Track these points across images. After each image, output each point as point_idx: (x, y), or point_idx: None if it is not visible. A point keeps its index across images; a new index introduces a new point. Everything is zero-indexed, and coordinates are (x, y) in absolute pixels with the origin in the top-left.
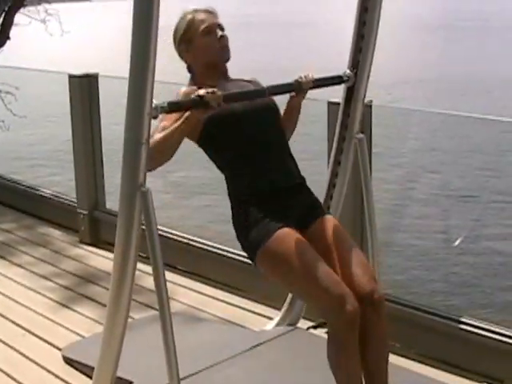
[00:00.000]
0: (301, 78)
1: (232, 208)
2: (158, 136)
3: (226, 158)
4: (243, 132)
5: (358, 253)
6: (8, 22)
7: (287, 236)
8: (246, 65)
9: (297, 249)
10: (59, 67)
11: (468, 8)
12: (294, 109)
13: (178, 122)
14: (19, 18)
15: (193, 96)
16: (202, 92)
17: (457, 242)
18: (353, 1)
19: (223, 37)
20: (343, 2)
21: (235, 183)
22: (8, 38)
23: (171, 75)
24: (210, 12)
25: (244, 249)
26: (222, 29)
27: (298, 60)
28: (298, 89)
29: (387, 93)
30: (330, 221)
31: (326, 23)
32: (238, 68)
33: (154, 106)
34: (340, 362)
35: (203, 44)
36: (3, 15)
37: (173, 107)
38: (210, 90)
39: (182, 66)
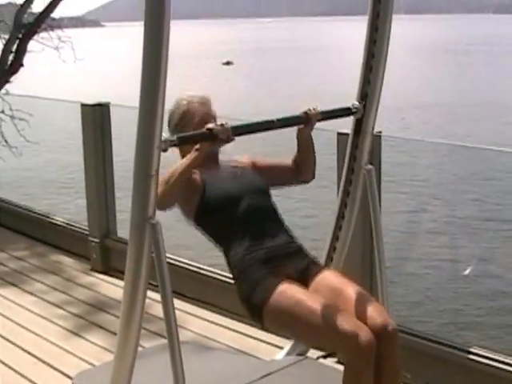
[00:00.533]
0: (309, 110)
1: (233, 279)
2: (164, 176)
3: (221, 235)
4: (237, 212)
5: (366, 292)
6: (21, 49)
7: (288, 289)
8: (296, 91)
9: (300, 298)
10: (72, 94)
11: (475, 33)
12: (305, 141)
13: (188, 156)
14: (33, 44)
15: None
16: (211, 125)
17: (467, 271)
18: (343, 28)
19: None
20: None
21: (232, 257)
22: (22, 64)
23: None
24: (205, 102)
25: (251, 316)
26: (215, 119)
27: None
28: (306, 121)
29: (400, 117)
30: (332, 271)
31: (339, 48)
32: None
33: (163, 139)
34: None
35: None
36: (17, 42)
37: (182, 141)
38: (219, 123)
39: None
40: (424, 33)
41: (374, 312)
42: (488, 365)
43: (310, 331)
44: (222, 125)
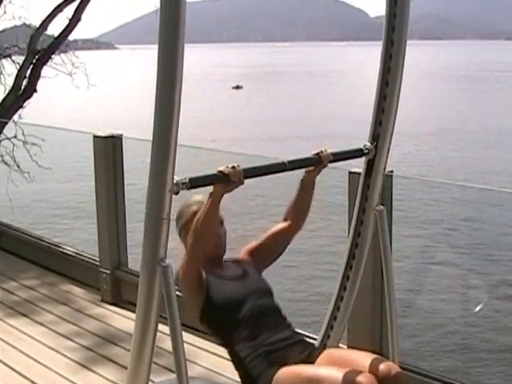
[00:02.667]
0: (321, 151)
1: (239, 374)
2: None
3: (224, 335)
4: (241, 314)
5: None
6: (35, 75)
7: (286, 372)
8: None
9: (298, 373)
10: (85, 120)
11: (486, 59)
12: (308, 186)
13: (205, 204)
14: (46, 70)
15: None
16: (222, 168)
17: (478, 308)
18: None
19: (221, 235)
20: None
21: (236, 357)
22: (35, 90)
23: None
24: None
25: None
26: (222, 223)
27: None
28: (317, 163)
29: (414, 143)
30: (331, 350)
31: (351, 72)
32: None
33: (175, 182)
34: None
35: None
36: (30, 68)
37: (194, 183)
38: (230, 165)
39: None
40: (433, 59)
41: (377, 361)
42: None
43: None
44: (233, 167)
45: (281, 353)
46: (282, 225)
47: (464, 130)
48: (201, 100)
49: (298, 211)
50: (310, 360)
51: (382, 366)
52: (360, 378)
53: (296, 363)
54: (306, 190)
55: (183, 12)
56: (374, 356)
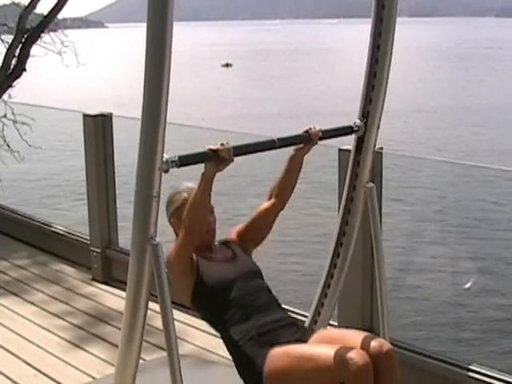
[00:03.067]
0: (311, 129)
1: (232, 357)
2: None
3: (216, 318)
4: (231, 296)
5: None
6: (24, 54)
7: (279, 351)
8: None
9: (293, 350)
10: (75, 99)
11: (481, 36)
12: (296, 163)
13: (197, 185)
14: (35, 49)
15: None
16: (212, 146)
17: (468, 285)
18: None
19: (211, 221)
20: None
21: (228, 339)
22: (24, 69)
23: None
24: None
25: (247, 379)
26: (212, 210)
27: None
28: (307, 140)
29: (403, 121)
30: (321, 332)
31: (344, 49)
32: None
33: (164, 160)
34: None
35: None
36: (19, 47)
37: (183, 161)
38: (219, 142)
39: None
40: (423, 36)
41: (368, 338)
42: (488, 383)
43: (311, 374)
44: (222, 144)
45: (273, 334)
46: (266, 204)
47: (454, 107)
48: (189, 78)
49: (284, 189)
50: (302, 340)
51: (374, 343)
52: (352, 355)
53: (288, 344)
54: (293, 167)
55: None
56: (366, 334)
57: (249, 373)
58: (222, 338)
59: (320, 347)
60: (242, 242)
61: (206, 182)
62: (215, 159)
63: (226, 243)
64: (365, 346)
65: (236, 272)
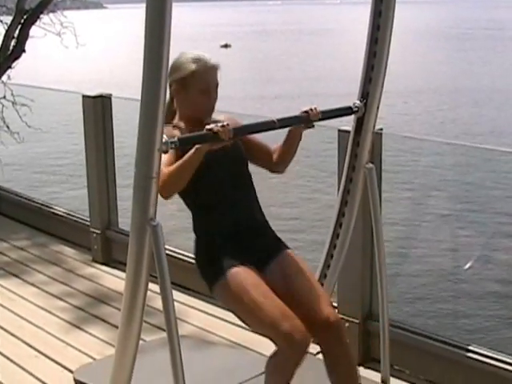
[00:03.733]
0: (310, 109)
1: (196, 242)
2: (168, 170)
3: (194, 198)
4: (212, 178)
5: (314, 283)
6: (24, 35)
7: (241, 274)
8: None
9: (248, 286)
10: (75, 80)
11: (483, 17)
12: (295, 139)
13: (188, 155)
14: (34, 30)
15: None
16: (212, 126)
17: (467, 266)
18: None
19: (214, 99)
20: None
21: (201, 221)
22: (23, 50)
23: None
24: (215, 68)
25: (203, 278)
26: (217, 86)
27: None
28: (306, 121)
29: (403, 101)
30: (289, 256)
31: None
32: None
33: (164, 141)
34: (275, 380)
35: (195, 101)
36: (19, 28)
37: (183, 142)
38: (219, 123)
39: None
40: (422, 16)
41: (317, 305)
42: (487, 363)
43: (252, 320)
44: (223, 126)
45: (236, 240)
46: (271, 149)
47: (454, 88)
48: None
49: (283, 158)
50: (267, 254)
51: (322, 315)
52: (296, 335)
53: (253, 257)
54: (292, 141)
55: None
56: (320, 297)
57: (205, 270)
58: (193, 221)
59: (273, 308)
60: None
61: (198, 157)
62: (214, 140)
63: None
64: (312, 311)
65: (220, 154)
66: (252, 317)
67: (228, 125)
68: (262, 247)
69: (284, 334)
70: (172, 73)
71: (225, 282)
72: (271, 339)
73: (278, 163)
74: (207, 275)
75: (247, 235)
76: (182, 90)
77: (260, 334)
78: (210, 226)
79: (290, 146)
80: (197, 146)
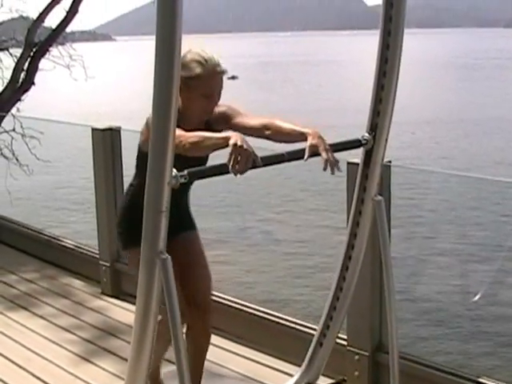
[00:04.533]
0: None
1: (128, 204)
2: (192, 136)
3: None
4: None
5: (204, 272)
6: (33, 67)
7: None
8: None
9: None
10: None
11: (490, 47)
12: (293, 140)
13: (216, 137)
14: (44, 63)
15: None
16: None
17: (476, 298)
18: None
19: (216, 102)
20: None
21: (136, 185)
22: (33, 83)
23: None
24: (221, 73)
25: (122, 235)
26: (220, 92)
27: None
28: (315, 154)
29: (411, 132)
30: (196, 239)
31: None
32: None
33: (173, 174)
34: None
35: (197, 103)
36: (28, 61)
37: (193, 176)
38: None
39: None
40: (431, 47)
41: (198, 291)
42: None
43: None
44: (238, 158)
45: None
46: (261, 129)
47: (464, 118)
48: None
49: (275, 138)
50: (179, 232)
51: (199, 298)
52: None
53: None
54: (288, 139)
55: (180, 2)
56: (202, 281)
57: (122, 232)
58: (135, 186)
59: None
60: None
61: (218, 146)
62: (227, 173)
63: (210, 130)
64: (192, 292)
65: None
66: None
67: (247, 153)
68: (179, 220)
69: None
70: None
71: (135, 253)
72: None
73: (269, 133)
74: (129, 236)
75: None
76: (185, 89)
77: None
78: (140, 193)
79: (287, 138)
80: (225, 135)
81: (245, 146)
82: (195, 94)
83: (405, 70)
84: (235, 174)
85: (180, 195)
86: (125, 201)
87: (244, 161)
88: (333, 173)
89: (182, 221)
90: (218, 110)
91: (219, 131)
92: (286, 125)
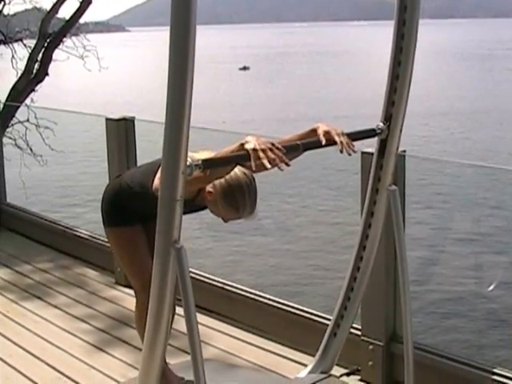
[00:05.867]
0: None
1: (119, 186)
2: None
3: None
4: None
5: None
6: (47, 58)
7: (135, 233)
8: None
9: (133, 243)
10: (96, 103)
11: (504, 37)
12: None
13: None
14: (58, 53)
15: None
16: (251, 145)
17: (491, 287)
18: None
19: None
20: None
21: (137, 192)
22: (47, 73)
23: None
24: (252, 212)
25: (105, 214)
26: None
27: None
28: (330, 144)
29: (423, 123)
30: None
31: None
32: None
33: (188, 163)
34: (141, 323)
35: (221, 212)
36: (42, 51)
37: (207, 165)
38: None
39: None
40: (445, 38)
41: None
42: None
43: (124, 266)
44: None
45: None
46: None
47: (478, 109)
48: (206, 82)
49: None
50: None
51: None
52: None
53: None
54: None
55: None
56: None
57: (108, 211)
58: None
59: (140, 258)
60: None
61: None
62: (245, 162)
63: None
64: None
65: None
66: (126, 265)
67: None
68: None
69: (142, 284)
70: (222, 189)
71: (121, 232)
72: (134, 286)
73: None
74: (112, 217)
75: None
76: (214, 197)
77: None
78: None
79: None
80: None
81: (263, 147)
82: (222, 209)
83: (418, 61)
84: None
85: None
86: (126, 184)
87: (266, 161)
88: (350, 154)
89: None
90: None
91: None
92: (292, 136)
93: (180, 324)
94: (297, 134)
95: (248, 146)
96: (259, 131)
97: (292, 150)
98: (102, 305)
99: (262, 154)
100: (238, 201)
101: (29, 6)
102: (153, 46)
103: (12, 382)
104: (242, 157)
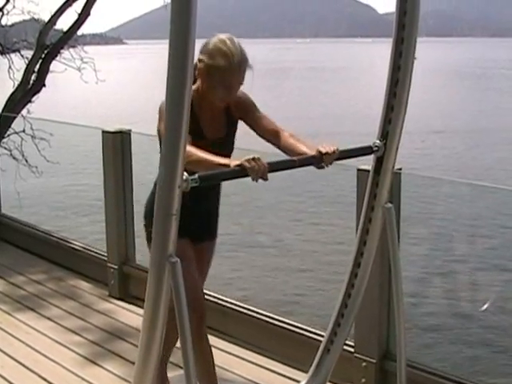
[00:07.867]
0: (327, 153)
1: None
2: (198, 156)
3: None
4: None
5: (205, 276)
6: (44, 69)
7: (181, 244)
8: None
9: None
10: (93, 115)
11: (500, 56)
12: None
13: (217, 162)
14: (55, 65)
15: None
16: (243, 162)
17: (484, 307)
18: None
19: (234, 94)
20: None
21: None
22: (44, 85)
23: None
24: (242, 68)
25: (144, 218)
26: (239, 86)
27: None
28: (319, 163)
29: (420, 140)
30: (212, 245)
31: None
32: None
33: (184, 178)
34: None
35: (215, 91)
36: (39, 62)
37: (204, 179)
38: (251, 157)
39: None
40: (442, 56)
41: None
42: None
43: None
44: (255, 160)
45: (198, 219)
46: (276, 133)
47: (474, 128)
48: None
49: (287, 152)
50: (203, 236)
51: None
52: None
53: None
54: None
55: (194, 6)
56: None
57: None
58: None
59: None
60: (238, 114)
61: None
62: (241, 177)
63: (229, 115)
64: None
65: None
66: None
67: (259, 159)
68: (205, 226)
69: (194, 299)
70: (203, 50)
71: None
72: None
73: (280, 148)
74: (147, 224)
75: (203, 215)
76: (205, 74)
77: None
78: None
79: (290, 152)
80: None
81: (250, 166)
82: (214, 83)
83: (415, 79)
84: (253, 176)
85: (206, 197)
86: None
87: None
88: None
89: (209, 225)
90: (240, 96)
91: (236, 119)
92: (299, 145)
93: None
94: (304, 143)
95: (234, 164)
96: (254, 146)
97: (288, 165)
98: (94, 317)
99: (253, 163)
100: (221, 49)
101: (27, 17)
102: (150, 59)
103: None
104: (235, 172)
